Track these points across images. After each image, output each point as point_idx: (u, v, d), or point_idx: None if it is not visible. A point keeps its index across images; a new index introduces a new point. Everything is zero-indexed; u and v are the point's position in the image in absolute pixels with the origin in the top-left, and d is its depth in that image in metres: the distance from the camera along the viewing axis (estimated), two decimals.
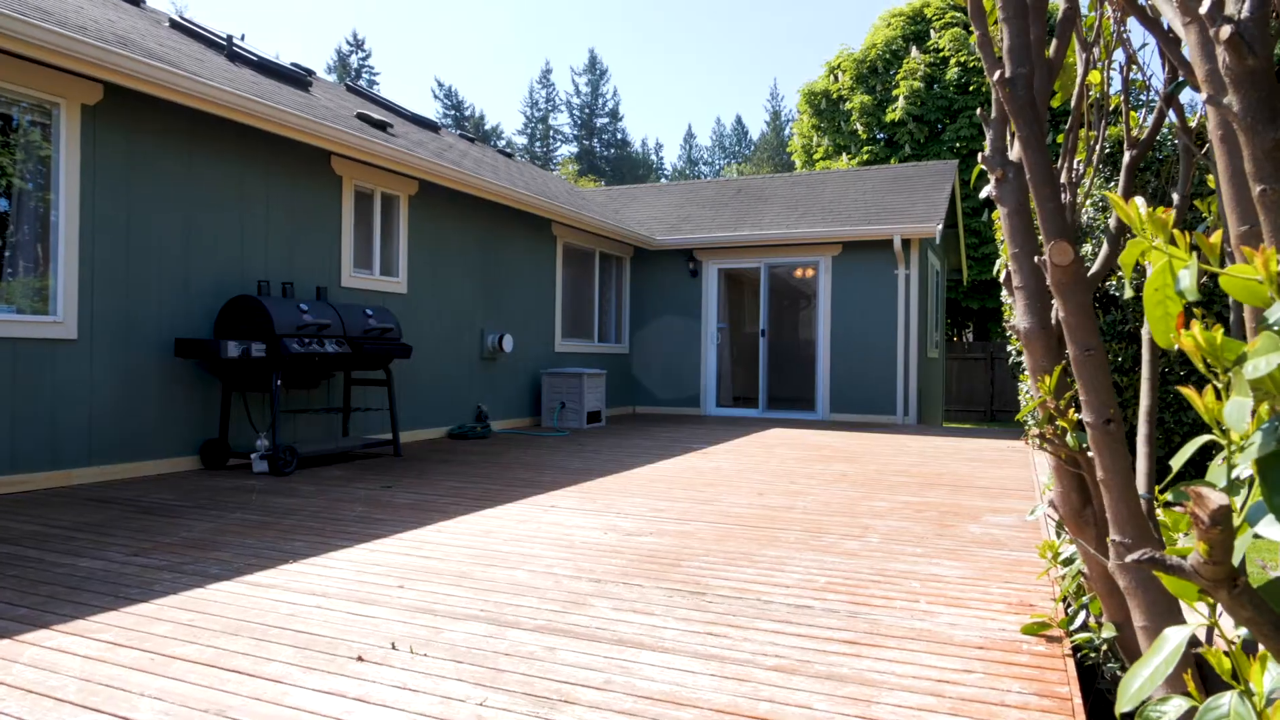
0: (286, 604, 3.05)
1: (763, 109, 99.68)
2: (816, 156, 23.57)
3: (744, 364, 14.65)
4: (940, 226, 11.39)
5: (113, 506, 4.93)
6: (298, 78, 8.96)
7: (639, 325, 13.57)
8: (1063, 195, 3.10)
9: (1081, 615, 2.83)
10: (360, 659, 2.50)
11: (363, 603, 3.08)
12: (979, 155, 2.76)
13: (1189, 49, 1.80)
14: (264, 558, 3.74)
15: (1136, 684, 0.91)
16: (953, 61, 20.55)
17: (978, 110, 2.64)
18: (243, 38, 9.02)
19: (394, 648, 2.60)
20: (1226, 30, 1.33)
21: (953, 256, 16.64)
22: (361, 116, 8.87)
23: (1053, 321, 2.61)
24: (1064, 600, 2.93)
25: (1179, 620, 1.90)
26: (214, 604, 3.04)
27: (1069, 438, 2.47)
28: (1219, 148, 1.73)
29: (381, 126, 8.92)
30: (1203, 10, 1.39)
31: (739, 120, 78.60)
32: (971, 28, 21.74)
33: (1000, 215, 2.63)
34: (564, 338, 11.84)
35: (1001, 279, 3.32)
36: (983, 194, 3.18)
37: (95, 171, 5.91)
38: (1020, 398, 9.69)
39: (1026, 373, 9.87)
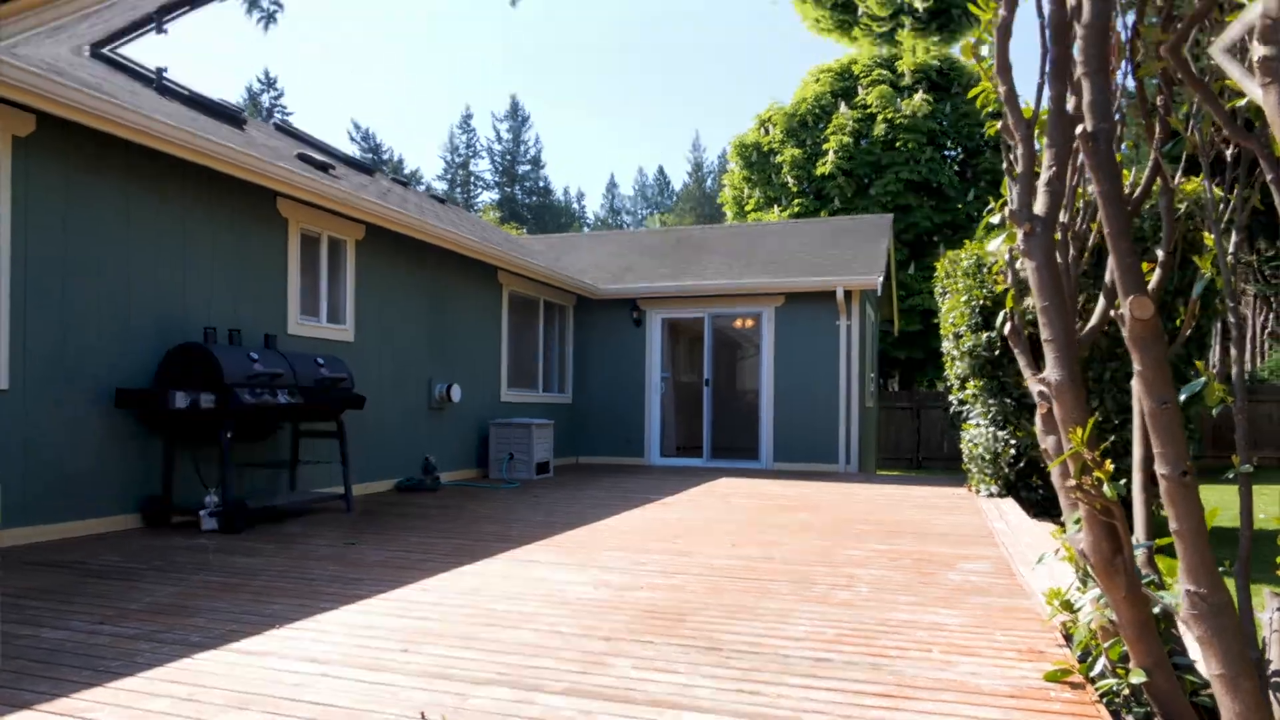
0: (288, 673, 2.86)
1: (685, 160, 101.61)
2: (748, 208, 24.13)
3: (687, 413, 14.68)
4: (881, 279, 11.74)
5: (60, 570, 4.57)
6: (232, 114, 8.68)
7: (583, 374, 13.50)
8: (1069, 250, 3.21)
9: (1101, 662, 2.88)
10: None
11: (370, 669, 2.91)
12: (1005, 210, 2.84)
13: (1268, 110, 1.88)
14: (245, 623, 3.51)
15: None
16: (880, 118, 21.42)
17: (1003, 165, 2.72)
18: (166, 71, 8.67)
19: (424, 718, 2.45)
20: None
21: (885, 307, 17.16)
22: (303, 157, 8.66)
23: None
24: (1083, 648, 2.98)
25: (1251, 668, 1.94)
26: (208, 675, 2.83)
27: (1105, 488, 2.53)
28: None
29: (324, 168, 8.72)
30: None
31: (661, 170, 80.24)
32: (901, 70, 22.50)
33: (1028, 269, 2.71)
34: (509, 387, 11.68)
35: (1006, 331, 3.41)
36: (990, 246, 3.27)
37: (28, 208, 5.55)
38: (961, 446, 9.95)
39: (969, 421, 10.03)
